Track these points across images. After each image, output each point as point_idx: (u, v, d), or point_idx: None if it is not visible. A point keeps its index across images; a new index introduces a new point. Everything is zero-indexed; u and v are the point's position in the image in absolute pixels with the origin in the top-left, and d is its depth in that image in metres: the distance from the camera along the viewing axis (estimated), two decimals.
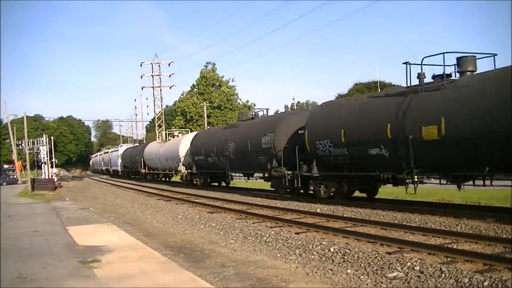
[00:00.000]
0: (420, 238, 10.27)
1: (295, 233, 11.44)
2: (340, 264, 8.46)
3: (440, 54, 12.98)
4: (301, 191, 19.42)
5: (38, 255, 10.17)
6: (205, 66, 73.22)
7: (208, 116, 66.60)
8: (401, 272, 7.55)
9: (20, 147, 49.98)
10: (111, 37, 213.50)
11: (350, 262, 8.44)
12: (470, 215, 12.30)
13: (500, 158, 11.16)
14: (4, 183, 50.95)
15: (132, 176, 50.49)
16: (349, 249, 9.13)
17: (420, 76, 13.52)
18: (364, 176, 16.06)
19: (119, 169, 56.96)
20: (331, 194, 17.20)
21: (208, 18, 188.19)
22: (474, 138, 11.38)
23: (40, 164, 49.41)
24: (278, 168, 19.63)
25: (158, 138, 55.64)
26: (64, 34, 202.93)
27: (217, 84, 72.43)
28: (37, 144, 47.58)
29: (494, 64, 13.10)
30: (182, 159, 32.78)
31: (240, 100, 74.20)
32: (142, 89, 65.55)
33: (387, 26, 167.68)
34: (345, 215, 13.92)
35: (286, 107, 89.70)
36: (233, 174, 26.94)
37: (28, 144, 43.59)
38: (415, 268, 7.57)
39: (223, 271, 8.41)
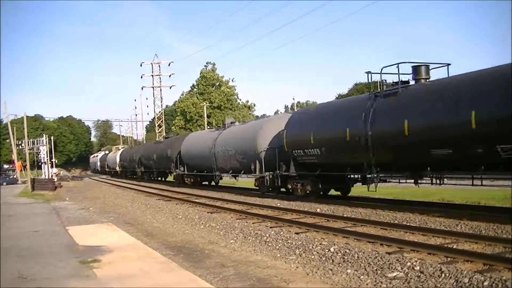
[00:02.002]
0: (420, 238, 10.27)
1: (295, 233, 11.44)
2: (340, 264, 8.46)
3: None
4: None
5: (38, 255, 10.16)
6: (205, 66, 73.21)
7: (208, 116, 66.56)
8: (401, 272, 7.55)
9: (20, 147, 49.97)
10: (111, 37, 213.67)
11: (350, 262, 8.44)
12: (471, 215, 12.32)
13: None
14: (4, 183, 50.92)
15: (104, 172, 73.54)
16: (349, 249, 9.13)
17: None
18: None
19: (98, 168, 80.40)
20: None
21: (208, 18, 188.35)
22: None
23: (40, 164, 49.45)
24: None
25: (158, 138, 56.15)
26: (64, 34, 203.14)
27: (217, 84, 72.37)
28: (37, 144, 47.62)
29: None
30: (118, 162, 59.79)
31: (240, 100, 74.25)
32: (142, 89, 65.63)
33: (387, 26, 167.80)
34: (345, 215, 13.91)
35: (286, 107, 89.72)
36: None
37: (28, 144, 43.59)
38: (415, 268, 7.57)
39: (223, 271, 8.41)
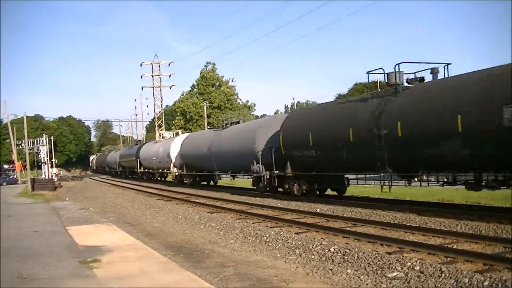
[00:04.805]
0: (420, 238, 10.28)
1: (295, 233, 11.44)
2: (340, 264, 8.46)
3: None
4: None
5: (38, 255, 10.16)
6: (205, 66, 73.12)
7: (208, 116, 66.54)
8: (401, 272, 7.55)
9: (20, 147, 49.91)
10: (111, 37, 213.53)
11: (350, 262, 8.44)
12: (471, 215, 12.32)
13: None
14: (4, 183, 50.91)
15: (96, 171, 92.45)
16: (349, 249, 9.13)
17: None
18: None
19: (93, 168, 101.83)
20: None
21: (208, 18, 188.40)
22: None
23: (40, 164, 49.38)
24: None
25: (157, 138, 56.29)
26: (64, 34, 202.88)
27: (217, 84, 72.34)
28: (37, 144, 47.55)
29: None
30: (94, 162, 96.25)
31: (240, 100, 74.21)
32: (142, 89, 65.43)
33: (387, 26, 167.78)
34: (345, 215, 13.91)
35: (286, 107, 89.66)
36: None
37: (28, 144, 43.57)
38: (415, 268, 7.57)
39: (223, 271, 8.42)
